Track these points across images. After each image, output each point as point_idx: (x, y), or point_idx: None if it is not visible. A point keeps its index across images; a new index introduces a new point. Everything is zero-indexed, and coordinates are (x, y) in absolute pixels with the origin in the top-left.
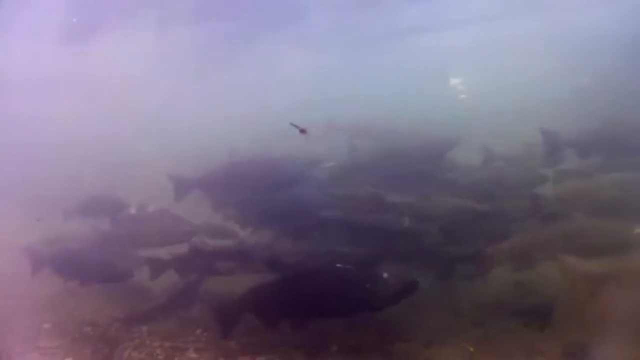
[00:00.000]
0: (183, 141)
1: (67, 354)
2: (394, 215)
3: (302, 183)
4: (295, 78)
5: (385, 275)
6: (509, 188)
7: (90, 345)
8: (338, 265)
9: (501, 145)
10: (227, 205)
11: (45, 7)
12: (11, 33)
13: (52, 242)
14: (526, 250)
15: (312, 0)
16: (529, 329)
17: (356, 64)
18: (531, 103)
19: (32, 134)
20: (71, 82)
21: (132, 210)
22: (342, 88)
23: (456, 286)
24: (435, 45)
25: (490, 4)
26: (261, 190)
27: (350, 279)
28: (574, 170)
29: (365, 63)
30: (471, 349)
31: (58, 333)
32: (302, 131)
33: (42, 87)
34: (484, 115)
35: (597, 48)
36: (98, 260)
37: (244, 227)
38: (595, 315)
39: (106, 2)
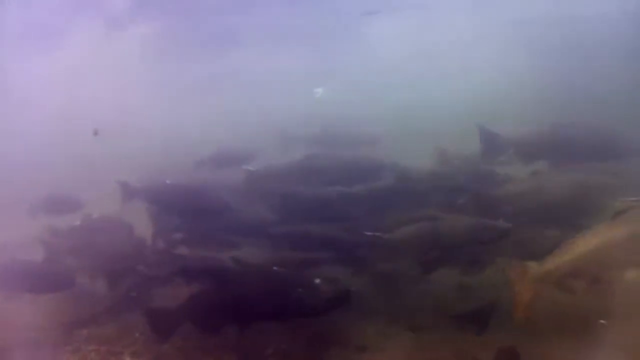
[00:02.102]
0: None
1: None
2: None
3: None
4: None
5: (317, 281)
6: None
7: (30, 349)
8: (274, 268)
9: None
10: (168, 216)
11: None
12: None
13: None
14: (473, 252)
15: None
16: (466, 334)
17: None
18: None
19: None
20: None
21: (77, 222)
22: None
23: (395, 290)
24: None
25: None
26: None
27: (283, 283)
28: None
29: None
30: None
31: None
32: (95, 133)
33: None
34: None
35: (552, 49)
36: (43, 270)
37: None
38: (531, 319)
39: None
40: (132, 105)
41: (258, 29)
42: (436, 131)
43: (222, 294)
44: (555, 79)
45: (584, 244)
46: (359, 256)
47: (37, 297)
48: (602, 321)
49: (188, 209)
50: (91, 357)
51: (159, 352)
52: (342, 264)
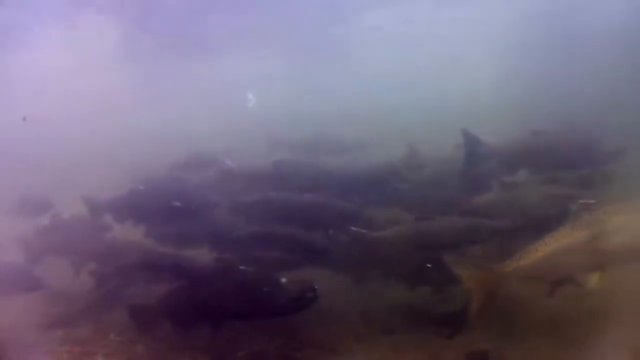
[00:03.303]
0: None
1: None
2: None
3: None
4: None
5: (283, 280)
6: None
7: (2, 350)
8: (241, 267)
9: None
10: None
11: None
12: None
13: None
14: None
15: None
16: (438, 337)
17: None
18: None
19: None
20: None
21: (46, 221)
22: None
23: (370, 292)
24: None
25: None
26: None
27: (249, 282)
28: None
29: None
30: None
31: None
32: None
33: None
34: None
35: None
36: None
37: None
38: (500, 322)
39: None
40: (112, 106)
41: (240, 32)
42: (417, 134)
43: (189, 293)
44: (540, 82)
45: (544, 248)
46: (332, 258)
47: (10, 298)
48: None
49: (160, 209)
50: (64, 358)
51: (133, 353)
52: (317, 265)
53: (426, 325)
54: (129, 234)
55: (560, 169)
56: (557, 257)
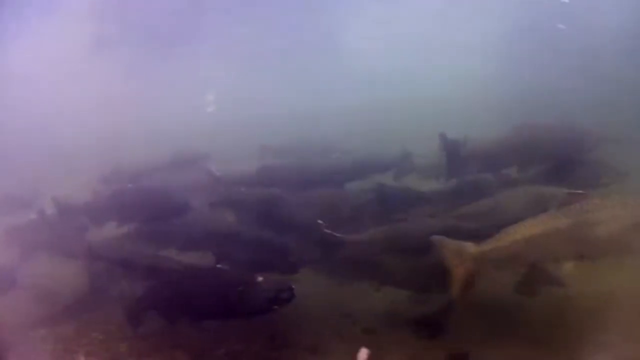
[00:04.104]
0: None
1: None
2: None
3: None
4: None
5: (259, 279)
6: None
7: None
8: (218, 265)
9: None
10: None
11: None
12: None
13: None
14: None
15: None
16: (418, 338)
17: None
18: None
19: None
20: None
21: (25, 219)
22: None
23: (353, 292)
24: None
25: None
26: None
27: (226, 281)
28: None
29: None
30: None
31: None
32: None
33: None
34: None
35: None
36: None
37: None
38: (481, 324)
39: None
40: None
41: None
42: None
43: (166, 292)
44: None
45: (523, 231)
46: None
47: None
48: None
49: (142, 208)
50: (46, 356)
51: (115, 351)
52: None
53: (407, 325)
54: (110, 232)
55: (545, 162)
56: (536, 241)
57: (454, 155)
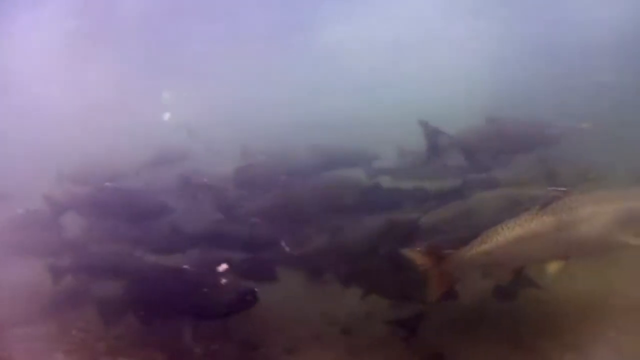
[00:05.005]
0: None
1: None
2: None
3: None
4: None
5: (223, 281)
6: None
7: None
8: (185, 266)
9: None
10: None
11: None
12: None
13: None
14: None
15: None
16: (395, 339)
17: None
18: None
19: None
20: None
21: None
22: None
23: (332, 293)
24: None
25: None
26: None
27: (191, 282)
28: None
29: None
30: None
31: None
32: None
33: None
34: None
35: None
36: None
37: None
38: (456, 326)
39: None
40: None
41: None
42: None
43: (136, 292)
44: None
45: (506, 233)
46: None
47: None
48: None
49: (118, 208)
50: (23, 355)
51: (93, 350)
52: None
53: (383, 326)
54: (84, 231)
55: (517, 154)
56: (519, 243)
57: (434, 141)
